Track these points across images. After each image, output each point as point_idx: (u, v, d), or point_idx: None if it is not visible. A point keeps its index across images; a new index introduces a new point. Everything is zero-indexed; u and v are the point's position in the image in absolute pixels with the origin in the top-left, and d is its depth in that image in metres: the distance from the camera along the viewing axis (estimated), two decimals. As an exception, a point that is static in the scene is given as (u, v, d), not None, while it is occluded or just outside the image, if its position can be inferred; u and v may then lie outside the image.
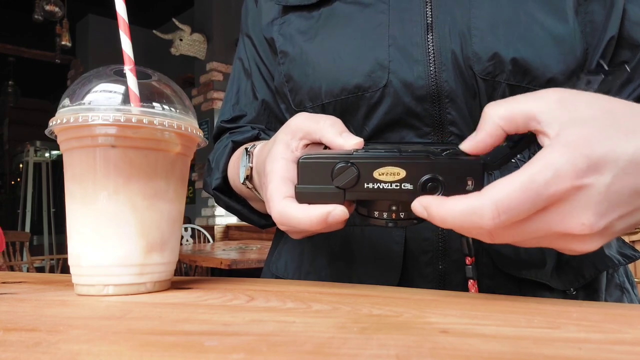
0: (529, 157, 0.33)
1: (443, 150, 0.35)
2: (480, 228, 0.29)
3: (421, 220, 0.34)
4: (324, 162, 0.34)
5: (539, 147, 0.30)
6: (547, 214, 0.28)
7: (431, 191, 0.33)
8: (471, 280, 0.45)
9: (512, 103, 0.31)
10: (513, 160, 0.48)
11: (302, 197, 0.35)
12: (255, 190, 0.48)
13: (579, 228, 0.28)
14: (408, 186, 0.33)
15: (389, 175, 0.33)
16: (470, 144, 0.33)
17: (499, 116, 0.31)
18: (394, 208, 0.35)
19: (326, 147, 0.38)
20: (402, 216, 0.35)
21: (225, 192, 0.59)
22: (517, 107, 0.31)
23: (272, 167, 0.37)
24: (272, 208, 0.36)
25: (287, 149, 0.38)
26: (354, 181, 0.33)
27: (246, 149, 0.48)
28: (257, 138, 0.59)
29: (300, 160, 0.34)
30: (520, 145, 0.34)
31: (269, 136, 0.60)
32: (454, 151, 0.34)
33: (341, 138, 0.36)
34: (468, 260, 0.45)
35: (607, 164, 0.27)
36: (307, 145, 0.38)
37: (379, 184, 0.33)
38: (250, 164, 0.47)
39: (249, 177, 0.47)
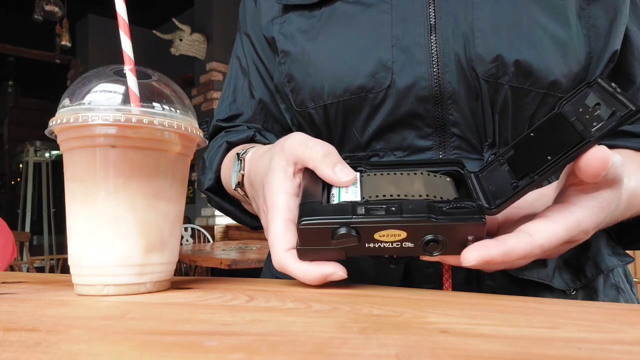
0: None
1: (445, 203, 0.34)
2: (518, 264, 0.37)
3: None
4: (323, 228, 0.34)
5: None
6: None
7: (432, 249, 0.34)
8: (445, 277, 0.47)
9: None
10: None
11: (304, 256, 0.35)
12: (247, 196, 0.48)
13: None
14: (409, 244, 0.34)
15: (390, 236, 0.33)
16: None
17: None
18: (395, 256, 0.36)
19: None
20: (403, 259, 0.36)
21: (218, 193, 0.59)
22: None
23: (273, 201, 0.37)
24: (273, 256, 0.37)
25: (285, 178, 0.38)
26: (355, 243, 0.34)
27: (238, 154, 0.48)
28: (252, 139, 0.59)
29: (299, 227, 0.34)
30: (525, 190, 0.34)
31: (264, 137, 0.60)
32: (456, 205, 0.34)
33: (334, 174, 0.36)
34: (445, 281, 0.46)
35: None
36: (302, 169, 0.39)
37: (380, 244, 0.34)
38: (242, 172, 0.47)
39: (240, 184, 0.47)
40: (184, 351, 0.21)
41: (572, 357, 0.20)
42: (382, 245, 0.34)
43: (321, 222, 0.34)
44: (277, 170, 0.38)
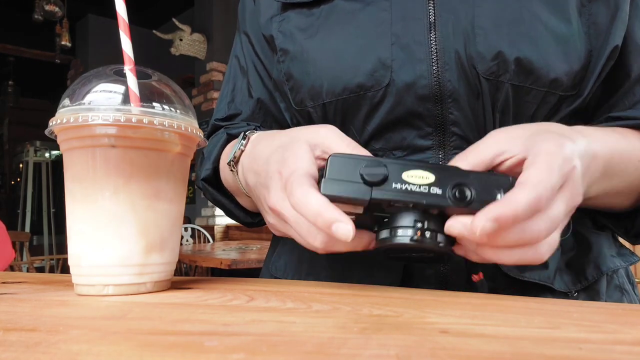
0: None
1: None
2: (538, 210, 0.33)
3: (443, 252, 0.35)
4: (355, 159, 0.34)
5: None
6: (563, 192, 0.34)
7: (460, 199, 0.32)
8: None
9: (474, 152, 0.37)
10: None
11: (329, 188, 0.34)
12: (237, 175, 0.48)
13: (579, 198, 0.36)
14: (436, 190, 0.33)
15: (418, 178, 0.33)
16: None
17: (468, 164, 0.36)
18: (419, 225, 0.33)
19: None
20: (427, 236, 0.34)
21: (214, 185, 0.58)
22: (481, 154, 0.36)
23: (295, 164, 0.37)
24: (291, 190, 0.35)
25: (310, 152, 0.38)
26: (382, 178, 0.33)
27: (245, 132, 0.48)
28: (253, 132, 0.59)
29: (331, 156, 0.34)
30: None
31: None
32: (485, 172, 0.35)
33: None
34: (475, 277, 0.44)
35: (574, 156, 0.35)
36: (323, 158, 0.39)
37: (406, 185, 0.33)
38: (242, 148, 0.46)
39: (236, 160, 0.47)
40: (184, 351, 0.21)
41: (572, 357, 0.20)
42: (409, 188, 0.33)
43: (353, 156, 0.34)
44: (302, 142, 0.39)
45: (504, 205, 0.31)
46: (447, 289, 0.48)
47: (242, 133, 0.48)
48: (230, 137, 0.58)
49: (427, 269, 0.49)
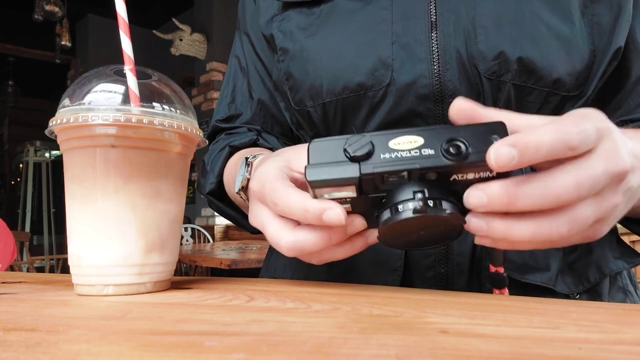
0: None
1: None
2: (569, 148, 0.27)
3: (452, 222, 0.31)
4: (335, 140, 0.31)
5: None
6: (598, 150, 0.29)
7: (455, 154, 0.29)
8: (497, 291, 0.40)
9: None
10: None
11: (314, 173, 0.31)
12: (248, 201, 0.47)
13: (623, 163, 0.29)
14: (428, 151, 0.30)
15: (406, 143, 0.30)
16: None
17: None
18: (419, 195, 0.30)
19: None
20: (430, 205, 0.30)
21: (219, 197, 0.58)
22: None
23: (265, 175, 0.36)
24: (265, 191, 0.34)
25: (278, 164, 0.37)
26: (368, 151, 0.30)
27: (246, 158, 0.47)
28: (255, 143, 0.58)
29: (310, 143, 0.32)
30: None
31: (266, 141, 0.59)
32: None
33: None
34: (493, 268, 0.39)
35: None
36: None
37: (396, 153, 0.30)
38: (249, 175, 0.46)
39: (244, 188, 0.46)
40: (184, 351, 0.21)
41: (572, 357, 0.20)
42: (399, 155, 0.30)
43: (332, 138, 0.32)
44: (272, 167, 0.38)
45: (523, 132, 0.27)
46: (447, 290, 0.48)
47: (245, 159, 0.47)
48: (233, 149, 0.57)
49: (426, 272, 0.48)
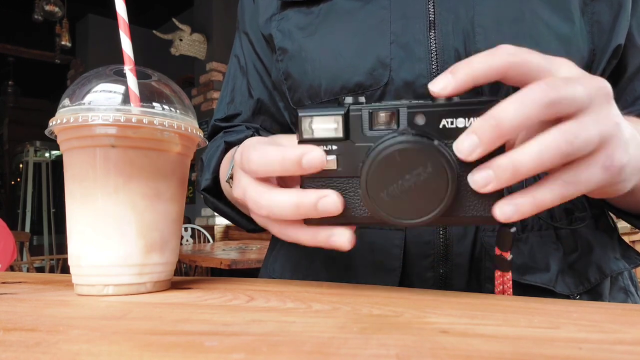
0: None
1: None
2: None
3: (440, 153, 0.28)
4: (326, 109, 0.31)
5: None
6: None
7: (445, 100, 0.29)
8: (500, 272, 0.37)
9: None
10: None
11: (305, 111, 0.30)
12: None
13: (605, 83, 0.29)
14: (417, 101, 0.30)
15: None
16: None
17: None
18: (408, 129, 0.29)
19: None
20: (413, 132, 0.29)
21: (215, 194, 0.58)
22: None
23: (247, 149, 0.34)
24: (244, 152, 0.33)
25: (264, 139, 0.36)
26: (357, 101, 0.30)
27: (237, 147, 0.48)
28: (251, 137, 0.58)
29: (300, 114, 0.31)
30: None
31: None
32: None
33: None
34: (498, 251, 0.36)
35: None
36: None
37: (385, 104, 0.30)
38: None
39: (232, 177, 0.46)
40: (184, 351, 0.21)
41: (572, 357, 0.20)
42: (389, 104, 0.30)
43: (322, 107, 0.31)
44: (256, 139, 0.36)
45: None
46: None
47: (236, 148, 0.47)
48: (228, 146, 0.57)
49: (426, 272, 0.48)
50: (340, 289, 0.38)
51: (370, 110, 0.30)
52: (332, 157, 0.31)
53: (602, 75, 0.48)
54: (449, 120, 0.30)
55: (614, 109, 0.30)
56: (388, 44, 0.48)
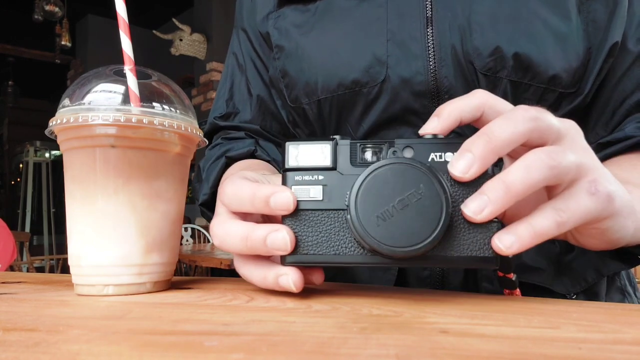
0: None
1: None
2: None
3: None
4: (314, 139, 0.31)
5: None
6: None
7: (431, 137, 0.30)
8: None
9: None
10: None
11: (292, 142, 0.30)
12: None
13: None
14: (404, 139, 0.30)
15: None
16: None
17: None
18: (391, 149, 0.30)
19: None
20: (396, 154, 0.29)
21: (212, 208, 0.57)
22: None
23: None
24: (222, 185, 0.33)
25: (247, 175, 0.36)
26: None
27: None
28: (252, 154, 0.57)
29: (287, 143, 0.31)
30: None
31: (264, 150, 0.58)
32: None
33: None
34: (501, 273, 0.36)
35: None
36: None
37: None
38: None
39: None
40: (184, 351, 0.21)
41: (572, 357, 0.20)
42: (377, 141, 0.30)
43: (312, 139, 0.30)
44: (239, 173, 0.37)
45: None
46: (444, 289, 0.48)
47: (234, 166, 0.47)
48: (230, 161, 0.56)
49: (422, 271, 0.48)
50: (340, 289, 0.38)
51: (360, 143, 0.30)
52: (318, 187, 0.30)
53: (599, 74, 0.48)
54: (438, 154, 0.29)
55: (586, 143, 0.31)
56: (384, 42, 0.48)
